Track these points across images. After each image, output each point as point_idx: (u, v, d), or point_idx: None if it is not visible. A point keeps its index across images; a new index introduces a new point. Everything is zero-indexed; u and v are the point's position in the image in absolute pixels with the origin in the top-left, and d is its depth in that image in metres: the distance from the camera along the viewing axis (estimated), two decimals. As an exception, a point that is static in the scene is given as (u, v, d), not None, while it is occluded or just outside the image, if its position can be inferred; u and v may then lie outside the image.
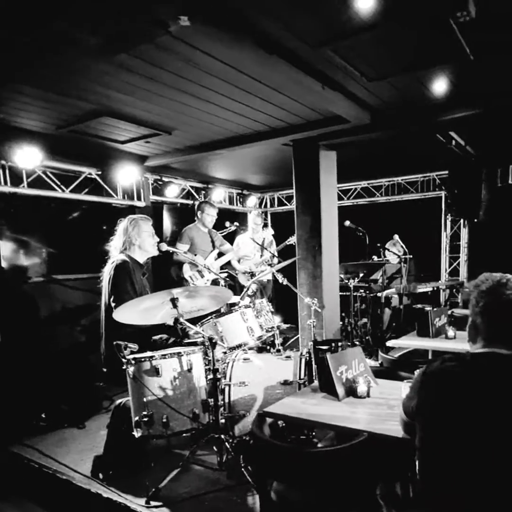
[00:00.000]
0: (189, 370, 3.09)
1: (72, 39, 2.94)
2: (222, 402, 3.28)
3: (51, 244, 6.32)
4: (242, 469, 3.11)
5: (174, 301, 3.10)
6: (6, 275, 5.71)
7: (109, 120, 4.54)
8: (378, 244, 6.50)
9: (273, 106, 4.31)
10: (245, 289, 4.54)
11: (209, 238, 6.04)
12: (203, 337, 3.25)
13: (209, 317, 3.62)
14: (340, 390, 2.52)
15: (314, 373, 3.53)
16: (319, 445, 3.11)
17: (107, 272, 3.62)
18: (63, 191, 5.76)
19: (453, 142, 5.65)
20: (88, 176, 6.01)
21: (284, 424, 3.05)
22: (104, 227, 6.74)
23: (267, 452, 2.14)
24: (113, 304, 3.42)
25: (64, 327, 5.79)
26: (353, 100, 4.24)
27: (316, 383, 2.80)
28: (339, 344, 3.93)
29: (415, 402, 1.70)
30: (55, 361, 5.04)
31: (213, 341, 3.06)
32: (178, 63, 3.35)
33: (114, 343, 3.11)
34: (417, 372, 1.78)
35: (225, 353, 3.53)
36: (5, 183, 5.18)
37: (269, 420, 2.49)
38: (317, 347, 3.84)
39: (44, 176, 5.56)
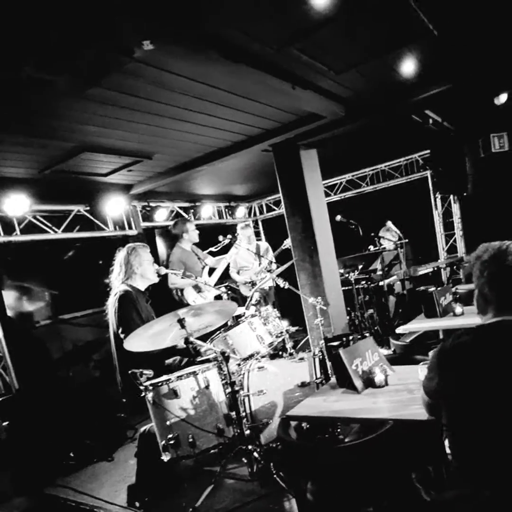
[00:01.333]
0: (207, 387, 3.09)
1: (42, 82, 2.93)
2: (244, 413, 3.27)
3: (52, 286, 6.34)
4: (274, 476, 3.10)
5: (181, 322, 3.11)
6: (14, 323, 5.72)
7: (90, 155, 4.56)
8: (372, 234, 6.50)
9: (247, 115, 4.32)
10: (248, 299, 4.53)
11: (195, 256, 5.96)
12: (215, 352, 3.25)
13: (218, 332, 3.61)
14: (358, 383, 2.51)
15: (329, 371, 3.52)
16: (346, 440, 3.10)
17: (111, 304, 3.62)
18: (56, 232, 5.79)
19: (430, 121, 5.67)
20: (78, 213, 6.04)
21: (308, 426, 3.03)
22: (100, 262, 6.75)
23: (297, 454, 2.13)
24: (122, 335, 3.42)
25: (78, 365, 5.81)
26: (325, 95, 4.22)
27: (333, 380, 2.79)
28: (350, 337, 3.92)
29: (435, 382, 1.68)
30: (74, 399, 5.05)
31: (226, 354, 3.06)
32: (148, 87, 3.35)
33: (130, 372, 3.10)
34: (431, 352, 1.77)
35: (239, 365, 3.52)
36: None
37: (293, 423, 2.47)
38: (328, 344, 3.83)
39: (34, 220, 5.58)
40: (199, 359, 3.53)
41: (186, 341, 3.13)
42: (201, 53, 2.98)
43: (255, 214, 9.62)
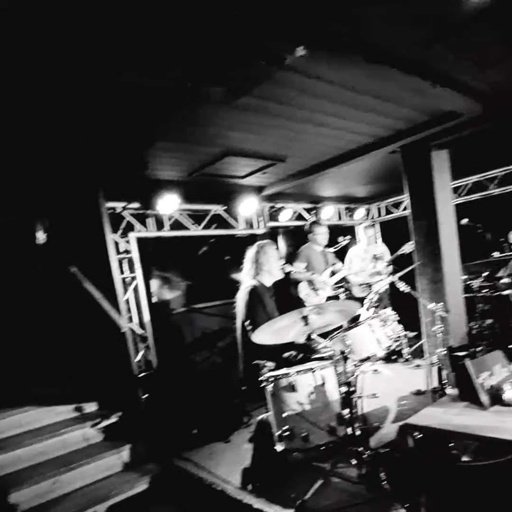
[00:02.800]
0: (323, 384, 3.05)
1: (200, 93, 3.05)
2: (356, 415, 3.16)
3: (187, 277, 6.78)
4: (383, 482, 2.93)
5: (305, 319, 3.11)
6: (158, 309, 6.18)
7: (231, 159, 4.74)
8: (501, 239, 5.90)
9: (380, 116, 4.15)
10: (368, 300, 4.40)
11: (323, 257, 6.01)
12: (333, 351, 3.20)
13: (337, 331, 3.54)
14: (485, 398, 2.29)
15: (446, 381, 3.26)
16: (464, 458, 2.84)
17: (241, 298, 3.74)
18: (196, 229, 6.13)
19: None
20: (215, 212, 6.33)
21: (420, 436, 2.84)
22: (227, 257, 7.14)
23: (418, 466, 1.99)
24: (248, 327, 3.52)
25: (204, 350, 6.10)
26: (464, 92, 3.85)
27: (453, 391, 2.58)
28: (478, 349, 3.59)
29: None
30: (199, 381, 5.31)
31: (345, 355, 2.98)
32: (291, 93, 3.34)
33: (254, 363, 3.16)
34: None
35: (355, 365, 3.41)
36: (152, 229, 5.68)
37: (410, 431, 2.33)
38: (453, 354, 3.54)
39: (180, 218, 5.98)
40: (314, 356, 3.51)
41: (308, 337, 3.11)
42: (348, 58, 2.88)
43: (373, 216, 9.26)
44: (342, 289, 4.47)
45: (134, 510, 3.80)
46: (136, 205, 5.47)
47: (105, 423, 4.69)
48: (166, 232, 5.78)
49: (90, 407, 4.99)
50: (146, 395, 4.90)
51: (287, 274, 4.07)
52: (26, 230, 6.46)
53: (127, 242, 5.40)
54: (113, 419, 4.75)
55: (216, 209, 6.30)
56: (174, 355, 5.80)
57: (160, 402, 4.88)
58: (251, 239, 6.57)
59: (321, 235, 5.88)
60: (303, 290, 5.80)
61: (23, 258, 6.36)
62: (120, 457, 4.36)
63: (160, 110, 3.36)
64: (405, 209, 8.25)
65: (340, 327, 3.64)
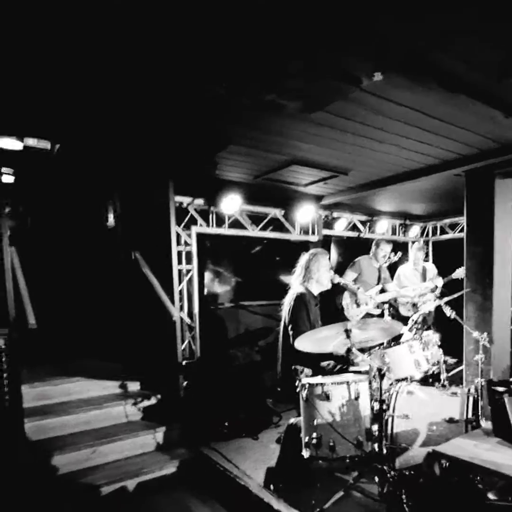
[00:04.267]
0: (356, 398, 3.03)
1: (277, 105, 3.14)
2: (385, 433, 3.13)
3: (237, 274, 6.83)
4: (404, 504, 2.89)
5: (348, 332, 3.11)
6: (207, 301, 6.30)
7: (297, 167, 4.78)
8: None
9: (447, 140, 4.07)
10: (412, 321, 4.33)
11: (378, 273, 5.94)
12: (370, 366, 3.18)
13: (377, 347, 3.51)
14: (518, 439, 2.22)
15: (482, 414, 3.15)
16: (490, 495, 2.76)
17: (287, 302, 3.76)
18: (253, 230, 6.21)
19: None
20: (273, 216, 6.38)
21: (447, 464, 2.77)
22: (277, 258, 7.17)
23: (441, 495, 1.97)
24: (290, 332, 3.55)
25: (245, 347, 6.17)
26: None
27: (487, 425, 2.51)
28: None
29: None
30: (236, 376, 5.39)
31: (382, 372, 2.95)
32: (363, 112, 3.36)
33: (293, 367, 3.19)
34: None
35: (391, 384, 3.37)
36: (212, 225, 5.80)
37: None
38: (492, 387, 3.42)
39: (240, 218, 6.08)
40: (351, 369, 3.49)
41: (348, 350, 3.10)
42: (422, 83, 2.88)
43: (427, 235, 8.97)
44: (387, 306, 4.41)
45: (160, 490, 3.89)
46: (200, 201, 5.60)
47: (146, 403, 4.81)
48: (225, 230, 5.89)
49: (134, 386, 5.13)
50: (186, 383, 5.01)
51: (335, 285, 4.06)
52: (97, 213, 6.85)
53: (189, 235, 5.53)
54: (153, 400, 4.86)
55: (275, 212, 6.35)
56: (217, 348, 5.89)
57: (198, 391, 4.98)
58: (304, 245, 6.60)
59: (384, 252, 5.85)
60: (345, 299, 5.80)
61: (92, 238, 6.71)
62: (155, 437, 4.47)
63: (242, 118, 3.48)
64: (461, 231, 7.98)
65: (381, 344, 3.60)
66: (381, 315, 4.91)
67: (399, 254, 5.92)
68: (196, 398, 4.94)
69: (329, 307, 5.83)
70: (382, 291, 5.97)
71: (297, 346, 3.18)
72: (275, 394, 3.71)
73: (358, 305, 5.74)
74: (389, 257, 5.93)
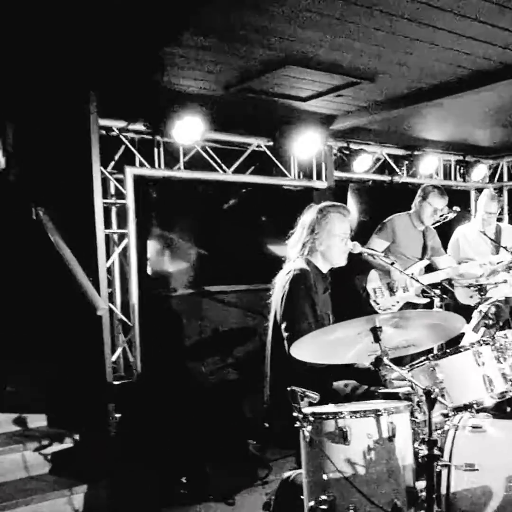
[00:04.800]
0: (391, 438, 2.91)
1: None
2: (437, 493, 3.07)
3: (201, 243, 6.78)
4: None
5: (376, 332, 3.00)
6: (152, 286, 6.24)
7: (293, 70, 4.71)
8: None
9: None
10: (479, 314, 4.26)
11: (422, 240, 5.96)
12: (413, 388, 3.11)
13: (424, 357, 3.45)
14: None
15: None
16: None
17: (280, 285, 3.68)
18: (225, 171, 6.12)
19: None
20: (256, 149, 6.31)
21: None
22: (263, 218, 7.18)
23: None
24: (286, 333, 3.48)
25: (214, 358, 6.17)
26: None
27: None
28: None
29: None
30: (201, 403, 5.34)
31: (432, 396, 2.87)
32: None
33: (289, 389, 3.10)
34: None
35: (446, 415, 3.30)
36: (159, 165, 5.69)
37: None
38: None
39: (203, 153, 5.97)
40: (381, 391, 3.43)
41: (377, 361, 3.01)
42: None
43: (500, 178, 8.92)
44: (438, 291, 4.32)
45: None
46: (140, 127, 5.50)
47: (56, 447, 4.73)
48: (180, 172, 5.81)
49: (39, 420, 5.04)
50: (120, 415, 4.96)
51: (355, 258, 4.03)
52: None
53: (121, 181, 5.44)
54: (68, 443, 4.81)
55: (258, 144, 6.29)
56: (168, 359, 5.85)
57: (138, 427, 4.93)
58: (305, 196, 6.57)
59: (433, 208, 5.78)
60: (373, 282, 5.84)
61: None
62: (70, 502, 4.37)
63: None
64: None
65: (429, 351, 3.57)
66: (430, 305, 4.86)
67: (457, 209, 5.88)
68: (136, 439, 4.88)
69: (346, 294, 5.76)
70: (430, 268, 5.98)
71: (295, 355, 3.08)
72: (260, 433, 3.65)
73: (391, 290, 5.77)
74: (441, 215, 5.89)
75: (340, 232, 3.75)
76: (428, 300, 5.38)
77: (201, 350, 6.11)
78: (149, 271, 6.29)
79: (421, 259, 5.93)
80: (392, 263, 4.63)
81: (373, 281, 5.84)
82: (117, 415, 4.96)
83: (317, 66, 4.66)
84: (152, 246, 6.40)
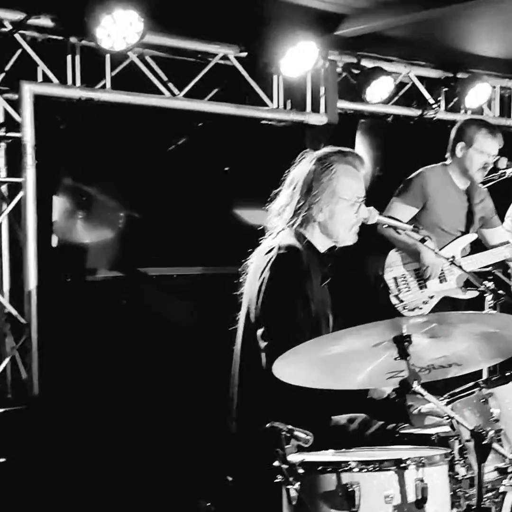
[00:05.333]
0: (420, 502, 2.94)
1: None
2: None
3: (134, 203, 6.79)
4: None
5: (402, 344, 3.06)
6: (59, 264, 6.24)
7: None
8: None
9: None
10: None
11: (466, 205, 6.01)
12: (454, 426, 3.18)
13: (473, 384, 3.51)
14: None
15: None
16: None
17: (255, 270, 3.71)
18: (173, 94, 6.14)
19: None
20: (221, 63, 6.35)
21: None
22: (226, 169, 7.22)
23: None
24: (263, 343, 3.51)
25: (151, 373, 6.17)
26: None
27: None
28: None
29: None
30: (128, 442, 5.41)
31: (483, 441, 2.93)
32: None
33: (268, 425, 3.14)
34: None
35: (503, 471, 3.37)
36: (73, 81, 5.68)
37: None
38: None
39: (141, 65, 5.98)
40: (405, 430, 3.51)
41: (403, 388, 3.06)
42: None
43: None
44: (491, 284, 4.36)
45: None
46: (46, 21, 5.47)
47: None
48: (106, 93, 5.84)
49: None
50: (4, 459, 4.95)
51: (370, 232, 4.10)
52: None
53: (14, 103, 5.44)
54: None
55: (224, 54, 6.31)
56: (82, 376, 5.84)
57: (33, 479, 4.93)
58: (296, 135, 6.60)
59: (486, 155, 5.81)
60: (394, 269, 5.90)
61: None
62: None
63: None
64: None
65: (479, 375, 3.62)
66: (478, 303, 4.89)
67: (504, 161, 5.95)
68: (26, 498, 4.87)
69: (355, 285, 5.91)
70: (479, 246, 6.05)
71: (278, 375, 3.07)
72: (220, 491, 3.67)
73: (422, 280, 5.82)
74: (495, 167, 5.97)
75: (349, 194, 3.78)
76: (476, 294, 5.42)
77: (132, 362, 6.12)
78: (54, 242, 6.25)
79: (465, 232, 5.98)
80: (423, 240, 4.68)
81: (395, 267, 5.89)
82: (1, 460, 4.95)
83: None
84: (60, 204, 6.36)
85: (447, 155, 6.04)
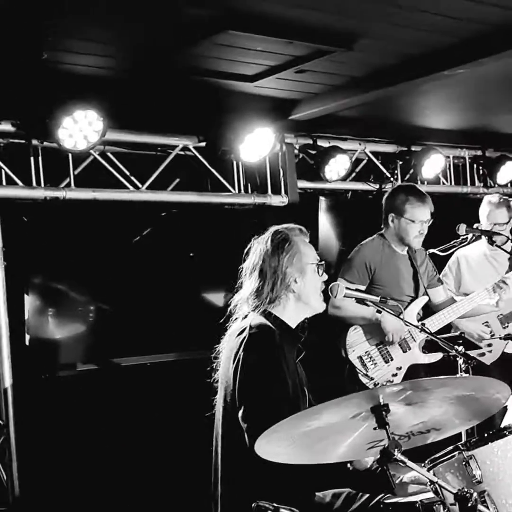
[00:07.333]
0: None
1: None
2: None
3: (104, 296, 6.81)
4: None
5: (380, 414, 3.05)
6: (34, 360, 6.21)
7: (234, 36, 4.75)
8: None
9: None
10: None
11: (411, 268, 6.03)
12: (436, 493, 3.20)
13: (453, 447, 3.51)
14: None
15: None
16: None
17: (228, 353, 3.72)
18: (137, 188, 6.18)
19: None
20: (181, 153, 6.41)
21: None
22: (191, 255, 7.30)
23: None
24: (244, 425, 3.51)
25: (130, 467, 6.16)
26: None
27: None
28: None
29: None
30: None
31: (468, 504, 2.94)
32: None
33: (254, 505, 3.14)
34: None
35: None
36: (38, 182, 5.69)
37: None
38: None
39: (104, 161, 6.04)
40: (391, 500, 3.48)
41: (384, 457, 3.06)
42: None
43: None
44: (461, 348, 4.37)
45: None
46: (7, 126, 5.51)
47: None
48: (70, 191, 5.85)
49: None
50: None
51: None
52: None
53: None
54: None
55: (184, 145, 6.39)
56: (63, 477, 5.82)
57: None
58: (259, 215, 6.74)
59: (417, 223, 5.84)
60: (357, 347, 5.87)
61: None
62: None
63: None
64: None
65: (457, 438, 3.61)
66: (452, 364, 4.88)
67: (478, 226, 6.03)
68: None
69: (326, 358, 5.93)
70: (430, 310, 6.05)
71: (261, 454, 3.05)
72: None
73: (386, 354, 5.80)
74: (456, 232, 6.04)
75: (312, 258, 3.84)
76: (439, 357, 5.41)
77: (113, 456, 6.11)
78: (27, 340, 6.25)
79: (415, 297, 5.99)
80: (381, 301, 4.66)
81: (356, 346, 5.83)
82: None
83: (274, 28, 4.67)
84: (31, 302, 6.36)
85: (382, 225, 6.06)
